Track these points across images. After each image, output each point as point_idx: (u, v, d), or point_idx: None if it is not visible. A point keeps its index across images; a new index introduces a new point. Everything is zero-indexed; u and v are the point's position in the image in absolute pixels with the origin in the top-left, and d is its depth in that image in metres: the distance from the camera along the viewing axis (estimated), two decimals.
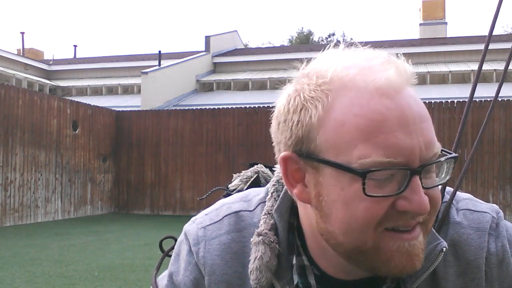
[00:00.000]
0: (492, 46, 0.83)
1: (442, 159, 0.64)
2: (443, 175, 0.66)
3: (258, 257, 0.73)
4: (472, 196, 0.80)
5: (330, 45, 0.69)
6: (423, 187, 0.61)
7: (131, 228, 9.11)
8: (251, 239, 0.75)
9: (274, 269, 0.73)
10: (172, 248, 0.88)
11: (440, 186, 0.79)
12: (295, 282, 0.73)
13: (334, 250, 0.68)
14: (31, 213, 9.68)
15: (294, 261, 0.74)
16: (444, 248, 0.70)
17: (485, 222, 0.74)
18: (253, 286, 0.73)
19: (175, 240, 0.88)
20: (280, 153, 0.69)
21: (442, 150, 0.65)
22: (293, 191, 0.70)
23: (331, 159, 0.63)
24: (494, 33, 0.82)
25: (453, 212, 0.76)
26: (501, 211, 0.78)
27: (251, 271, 0.73)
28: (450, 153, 0.65)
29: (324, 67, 0.65)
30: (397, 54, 0.67)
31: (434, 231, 0.72)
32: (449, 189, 0.79)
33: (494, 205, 0.78)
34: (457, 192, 0.79)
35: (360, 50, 0.67)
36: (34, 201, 9.76)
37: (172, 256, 0.86)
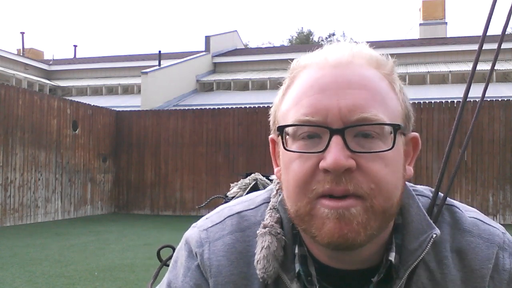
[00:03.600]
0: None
1: (371, 124, 0.65)
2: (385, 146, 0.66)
3: (265, 246, 0.73)
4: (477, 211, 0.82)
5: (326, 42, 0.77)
6: (351, 151, 0.64)
7: (131, 228, 9.10)
8: (257, 231, 0.76)
9: (281, 260, 0.74)
10: (171, 257, 0.87)
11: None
12: (297, 270, 0.74)
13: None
14: (31, 213, 9.68)
15: (296, 251, 0.75)
16: (434, 235, 0.71)
17: (496, 236, 0.75)
18: (259, 276, 0.73)
19: (173, 249, 0.87)
20: None
21: (396, 125, 0.66)
22: (276, 171, 0.76)
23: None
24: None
25: (463, 217, 0.77)
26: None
27: (258, 261, 0.73)
28: (397, 125, 0.67)
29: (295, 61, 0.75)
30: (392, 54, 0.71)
31: (431, 221, 0.73)
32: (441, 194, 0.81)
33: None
34: (463, 204, 0.81)
35: (337, 43, 0.75)
36: (34, 201, 9.75)
37: (170, 264, 0.85)
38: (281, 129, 0.69)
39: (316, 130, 0.66)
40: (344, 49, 0.71)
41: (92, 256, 6.02)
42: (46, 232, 8.22)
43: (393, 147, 0.66)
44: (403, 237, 0.73)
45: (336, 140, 0.64)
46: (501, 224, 0.79)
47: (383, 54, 0.74)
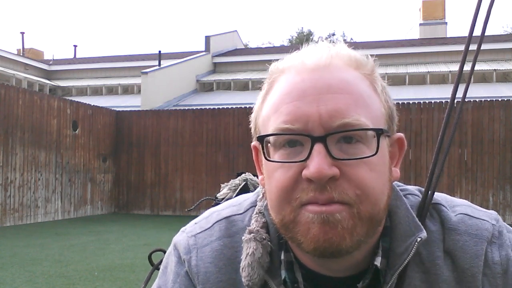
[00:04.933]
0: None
1: (354, 130, 0.63)
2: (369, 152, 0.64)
3: (249, 253, 0.71)
4: (469, 203, 0.78)
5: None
6: (334, 158, 0.62)
7: (131, 228, 9.10)
8: (242, 237, 0.74)
9: (267, 266, 0.72)
10: (162, 261, 0.86)
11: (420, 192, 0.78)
12: (283, 277, 0.72)
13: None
14: (31, 213, 9.68)
15: (282, 257, 0.73)
16: (419, 239, 0.68)
17: (484, 230, 0.72)
18: (245, 284, 0.71)
19: (164, 252, 0.86)
20: None
21: (380, 129, 0.64)
22: (260, 179, 0.74)
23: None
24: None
25: (448, 216, 0.74)
26: (500, 218, 0.76)
27: (242, 268, 0.71)
28: (381, 130, 0.64)
29: (273, 65, 0.73)
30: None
31: (419, 223, 0.71)
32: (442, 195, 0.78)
33: (493, 211, 0.76)
34: (453, 198, 0.78)
35: (315, 45, 0.72)
36: (34, 201, 9.76)
37: (160, 269, 0.83)
38: (261, 139, 0.67)
39: (297, 138, 0.64)
40: (322, 50, 0.69)
41: (92, 256, 6.02)
42: (46, 232, 8.22)
43: (377, 152, 0.64)
44: (391, 240, 0.71)
45: (318, 148, 0.62)
46: None
47: (363, 54, 0.71)
